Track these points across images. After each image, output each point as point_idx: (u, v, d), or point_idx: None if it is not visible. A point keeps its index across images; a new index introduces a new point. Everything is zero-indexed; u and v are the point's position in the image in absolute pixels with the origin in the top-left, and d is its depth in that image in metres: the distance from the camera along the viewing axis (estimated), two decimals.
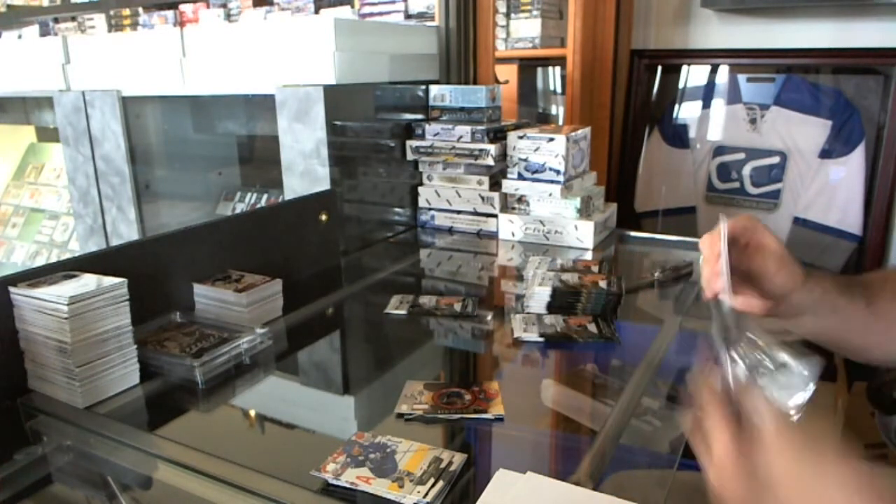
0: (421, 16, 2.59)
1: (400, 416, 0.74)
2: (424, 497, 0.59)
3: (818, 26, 2.09)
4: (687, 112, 2.33)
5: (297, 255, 1.22)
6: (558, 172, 1.39)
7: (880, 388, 1.80)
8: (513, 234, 1.47)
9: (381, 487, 0.60)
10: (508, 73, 2.37)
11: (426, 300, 1.09)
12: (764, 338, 0.61)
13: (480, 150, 1.46)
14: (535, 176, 1.42)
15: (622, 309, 1.04)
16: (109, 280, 0.79)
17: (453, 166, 1.52)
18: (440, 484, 0.61)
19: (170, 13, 3.25)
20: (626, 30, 2.27)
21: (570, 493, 0.58)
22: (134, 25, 3.38)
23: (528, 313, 1.03)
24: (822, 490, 0.47)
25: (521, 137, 1.42)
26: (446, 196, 1.54)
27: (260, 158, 2.00)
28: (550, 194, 1.41)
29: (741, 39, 2.21)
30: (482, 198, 1.50)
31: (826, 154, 2.11)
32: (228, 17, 3.11)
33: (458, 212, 1.54)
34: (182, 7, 3.22)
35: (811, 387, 0.57)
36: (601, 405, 0.81)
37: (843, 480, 0.47)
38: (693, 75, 2.32)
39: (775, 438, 0.49)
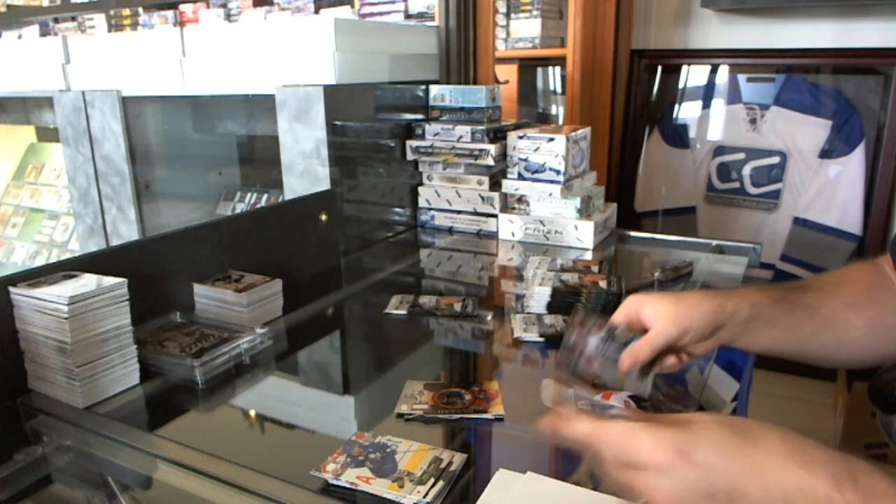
0: (421, 16, 2.59)
1: (400, 416, 0.74)
2: (424, 497, 0.59)
3: (818, 26, 2.09)
4: (687, 112, 2.33)
5: (297, 255, 1.22)
6: (558, 172, 1.39)
7: (881, 387, 1.80)
8: (513, 234, 1.47)
9: (381, 487, 0.60)
10: (508, 73, 2.37)
11: (426, 300, 1.09)
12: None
13: (480, 150, 1.46)
14: (535, 176, 1.42)
15: None
16: (109, 280, 0.79)
17: (453, 166, 1.52)
18: (440, 484, 0.61)
19: (170, 13, 3.25)
20: (626, 30, 2.27)
21: (570, 493, 0.58)
22: (134, 25, 3.38)
23: (528, 313, 1.03)
24: (756, 460, 0.45)
25: (521, 137, 1.42)
26: (446, 196, 1.54)
27: (260, 158, 2.00)
28: (550, 194, 1.41)
29: (741, 39, 2.21)
30: (482, 198, 1.50)
31: (826, 154, 2.11)
32: (228, 17, 3.11)
33: (458, 212, 1.54)
34: (182, 7, 3.22)
35: None
36: None
37: (775, 447, 0.45)
38: (693, 75, 2.32)
39: (699, 424, 0.47)
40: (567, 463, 0.63)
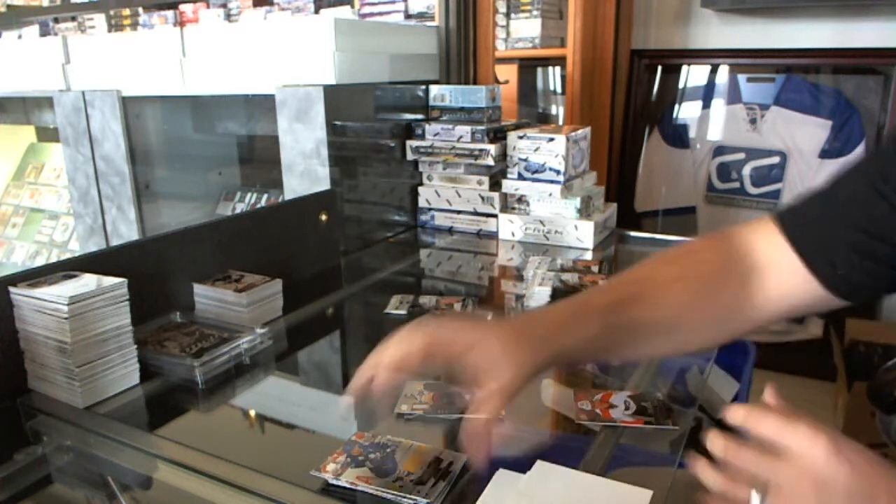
0: (421, 16, 2.59)
1: (400, 416, 0.74)
2: (424, 497, 0.59)
3: (818, 26, 2.10)
4: (687, 112, 2.33)
5: (297, 255, 1.22)
6: (558, 172, 1.39)
7: (880, 387, 1.80)
8: (513, 234, 1.47)
9: (381, 487, 0.60)
10: (508, 73, 2.37)
11: (426, 300, 1.09)
12: None
13: (480, 150, 1.46)
14: (535, 176, 1.42)
15: None
16: (109, 280, 0.79)
17: (453, 166, 1.52)
18: (440, 484, 0.61)
19: (170, 13, 3.25)
20: (626, 30, 2.27)
21: (579, 479, 0.59)
22: (134, 25, 3.38)
23: None
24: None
25: (521, 137, 1.42)
26: (446, 196, 1.54)
27: (260, 158, 2.00)
28: (550, 194, 1.41)
29: (741, 39, 2.22)
30: (482, 198, 1.50)
31: (826, 154, 2.11)
32: (228, 17, 3.11)
33: (458, 212, 1.54)
34: (182, 7, 3.22)
35: None
36: None
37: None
38: (693, 75, 2.32)
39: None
40: (567, 463, 0.63)
